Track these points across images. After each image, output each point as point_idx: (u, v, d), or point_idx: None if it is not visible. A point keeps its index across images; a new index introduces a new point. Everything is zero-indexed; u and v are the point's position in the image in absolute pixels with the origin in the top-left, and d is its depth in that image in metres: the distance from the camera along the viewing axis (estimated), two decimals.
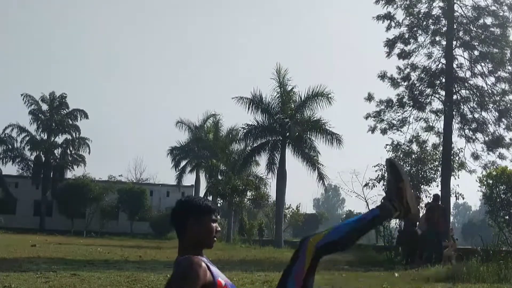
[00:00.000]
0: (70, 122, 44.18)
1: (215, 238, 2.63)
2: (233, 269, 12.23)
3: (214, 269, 2.57)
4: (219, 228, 2.65)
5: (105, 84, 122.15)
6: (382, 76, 21.39)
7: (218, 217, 2.67)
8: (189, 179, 61.51)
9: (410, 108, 21.24)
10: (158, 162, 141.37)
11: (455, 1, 20.85)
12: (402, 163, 19.78)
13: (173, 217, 2.63)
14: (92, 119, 47.09)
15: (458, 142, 21.30)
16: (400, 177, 2.86)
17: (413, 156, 20.86)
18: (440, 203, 15.72)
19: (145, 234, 37.64)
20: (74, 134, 44.10)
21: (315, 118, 30.00)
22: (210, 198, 38.59)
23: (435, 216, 14.60)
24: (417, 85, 21.26)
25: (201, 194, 43.08)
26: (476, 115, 20.87)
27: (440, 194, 16.62)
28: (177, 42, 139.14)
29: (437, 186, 20.20)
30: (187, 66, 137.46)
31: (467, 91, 20.98)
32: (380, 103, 21.50)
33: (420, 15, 21.31)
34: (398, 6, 21.39)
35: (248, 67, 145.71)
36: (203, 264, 2.47)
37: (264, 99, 30.53)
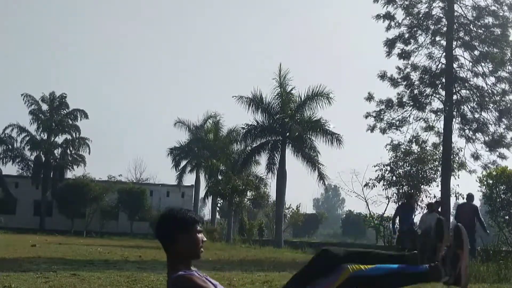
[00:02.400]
0: (70, 122, 44.19)
1: (201, 249, 2.62)
2: (233, 269, 12.23)
3: (212, 280, 2.61)
4: (205, 238, 2.65)
5: (105, 84, 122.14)
6: (382, 76, 21.39)
7: (202, 227, 2.68)
8: (189, 179, 61.46)
9: (410, 108, 21.24)
10: (158, 162, 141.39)
11: (455, 1, 20.84)
12: (412, 167, 19.73)
13: (158, 231, 2.62)
14: (92, 119, 47.15)
15: (458, 142, 21.32)
16: (461, 244, 2.81)
17: (413, 156, 20.84)
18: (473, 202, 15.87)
19: (145, 234, 37.62)
20: (74, 134, 44.14)
21: (315, 118, 30.03)
22: (210, 198, 38.68)
23: (460, 215, 14.97)
24: (417, 85, 21.25)
25: (201, 194, 43.17)
26: (476, 115, 20.85)
27: (472, 194, 16.67)
28: (177, 42, 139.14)
29: (437, 186, 20.21)
30: (187, 66, 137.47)
31: (468, 91, 20.97)
32: (380, 103, 21.51)
33: (420, 15, 21.30)
34: (398, 6, 21.39)
35: (248, 67, 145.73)
36: (200, 280, 2.50)
37: (264, 99, 30.58)
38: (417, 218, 17.17)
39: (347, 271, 2.68)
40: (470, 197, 15.86)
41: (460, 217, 15.57)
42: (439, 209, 16.54)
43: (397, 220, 16.62)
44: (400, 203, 17.96)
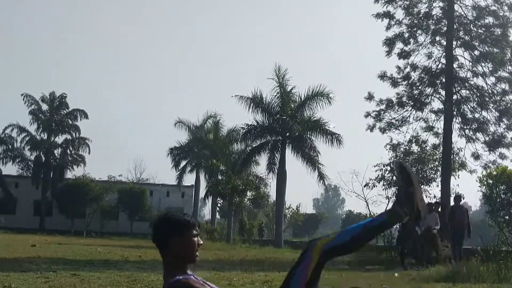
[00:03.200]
0: (70, 122, 44.17)
1: (197, 253, 2.62)
2: (233, 269, 12.24)
3: (209, 283, 2.60)
4: (201, 242, 2.64)
5: (105, 84, 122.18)
6: (382, 76, 21.39)
7: (198, 230, 2.66)
8: (189, 179, 61.50)
9: (410, 108, 21.24)
10: (158, 162, 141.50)
11: (455, 1, 20.84)
12: (412, 166, 19.81)
13: (154, 234, 2.62)
14: (92, 119, 47.13)
15: (458, 142, 21.31)
16: (410, 181, 2.83)
17: (413, 156, 20.83)
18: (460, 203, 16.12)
19: (145, 234, 37.61)
20: (74, 134, 44.11)
21: (315, 118, 30.03)
22: (210, 198, 38.66)
23: (456, 217, 15.07)
24: (417, 85, 21.25)
25: (201, 194, 43.14)
26: (477, 115, 20.85)
27: (460, 195, 16.84)
28: (177, 42, 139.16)
29: (437, 186, 20.19)
30: (187, 66, 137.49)
31: (468, 91, 20.96)
32: (380, 103, 21.51)
33: (420, 15, 21.30)
34: (398, 5, 21.38)
35: (248, 67, 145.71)
36: (197, 284, 2.50)
37: (264, 99, 30.57)
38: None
39: (318, 246, 2.69)
40: (460, 198, 16.31)
41: (456, 220, 15.76)
42: (439, 209, 16.54)
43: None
44: None
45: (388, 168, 19.70)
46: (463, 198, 19.99)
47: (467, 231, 15.96)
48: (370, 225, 2.78)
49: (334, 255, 2.73)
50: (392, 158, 20.14)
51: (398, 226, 19.85)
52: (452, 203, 17.78)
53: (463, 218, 15.91)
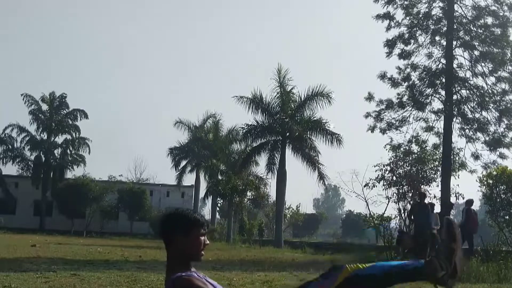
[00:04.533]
0: (70, 122, 44.16)
1: (203, 252, 2.61)
2: (233, 269, 12.24)
3: (211, 281, 2.59)
4: (208, 242, 2.62)
5: (106, 84, 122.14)
6: (382, 77, 21.39)
7: (207, 230, 2.64)
8: (189, 179, 61.48)
9: (410, 108, 21.23)
10: (158, 162, 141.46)
11: (455, 1, 20.83)
12: (412, 167, 19.84)
13: (161, 230, 2.60)
14: (92, 119, 47.12)
15: (458, 142, 21.30)
16: (454, 238, 2.85)
17: (413, 156, 20.81)
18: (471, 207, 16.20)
19: (145, 234, 37.62)
20: (74, 134, 44.09)
21: (315, 118, 30.02)
22: (210, 198, 38.69)
23: (470, 220, 15.20)
24: (418, 85, 21.25)
25: (201, 194, 43.16)
26: (477, 115, 20.83)
27: (472, 199, 16.91)
28: (177, 42, 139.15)
29: (437, 186, 20.17)
30: (188, 66, 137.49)
31: (468, 91, 20.95)
32: (380, 103, 21.51)
33: (420, 15, 21.30)
34: (398, 6, 21.39)
35: (248, 67, 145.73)
36: (199, 282, 2.49)
37: (264, 99, 30.56)
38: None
39: (346, 270, 2.68)
40: (472, 202, 16.48)
41: (471, 223, 15.95)
42: (427, 203, 16.55)
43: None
44: (413, 203, 17.92)
45: (388, 168, 19.67)
46: (462, 198, 20.07)
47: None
48: (404, 266, 2.78)
49: (359, 283, 2.71)
50: (392, 158, 20.12)
51: (398, 226, 19.87)
52: (448, 205, 17.96)
53: (475, 221, 16.13)
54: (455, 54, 20.84)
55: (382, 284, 2.74)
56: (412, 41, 21.30)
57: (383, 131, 21.41)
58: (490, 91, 20.66)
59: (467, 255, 13.97)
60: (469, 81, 20.93)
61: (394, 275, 2.74)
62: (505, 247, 14.83)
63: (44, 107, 43.80)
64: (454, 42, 20.74)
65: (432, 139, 21.97)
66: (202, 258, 2.60)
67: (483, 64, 20.59)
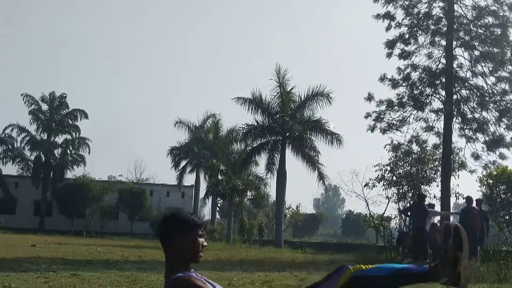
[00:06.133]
0: (70, 122, 44.16)
1: (201, 253, 2.62)
2: (233, 269, 12.24)
3: (210, 281, 2.60)
4: (206, 243, 2.64)
5: (105, 84, 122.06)
6: (382, 79, 21.40)
7: (205, 231, 2.66)
8: (189, 179, 61.45)
9: (410, 108, 21.24)
10: (158, 162, 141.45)
11: (455, 1, 20.84)
12: (412, 167, 19.74)
13: (160, 232, 2.62)
14: (92, 119, 47.11)
15: (458, 142, 21.31)
16: (461, 245, 2.80)
17: (413, 156, 20.81)
18: (474, 205, 15.77)
19: (145, 234, 37.61)
20: (74, 134, 44.10)
21: (315, 118, 30.03)
22: (210, 198, 38.67)
23: (469, 219, 14.92)
24: (417, 85, 21.25)
25: (201, 194, 43.15)
26: (477, 115, 20.85)
27: (471, 196, 16.50)
28: (177, 42, 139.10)
29: (437, 186, 20.18)
30: (187, 66, 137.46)
31: (468, 91, 20.97)
32: (380, 103, 21.51)
33: (420, 15, 21.30)
34: (398, 6, 21.39)
35: (248, 67, 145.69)
36: (199, 281, 2.50)
37: (264, 99, 30.58)
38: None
39: (348, 271, 2.69)
40: (479, 201, 15.85)
41: (469, 223, 15.53)
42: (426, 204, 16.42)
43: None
44: (412, 202, 17.88)
45: (388, 168, 19.69)
46: (462, 198, 19.98)
47: (481, 233, 15.64)
48: (408, 269, 2.77)
49: (361, 284, 2.71)
50: (392, 158, 20.13)
51: (398, 226, 19.87)
52: (451, 204, 17.76)
53: (475, 221, 15.61)
54: (455, 54, 20.85)
55: (385, 285, 2.74)
56: (412, 41, 21.32)
57: (383, 131, 21.42)
58: (490, 91, 20.68)
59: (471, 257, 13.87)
60: (469, 81, 20.95)
61: (397, 277, 2.74)
62: (505, 247, 14.84)
63: (44, 107, 43.82)
64: (454, 42, 20.75)
65: (432, 139, 22.00)
66: (200, 259, 2.62)
67: (483, 64, 20.60)
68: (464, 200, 16.64)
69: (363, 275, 2.69)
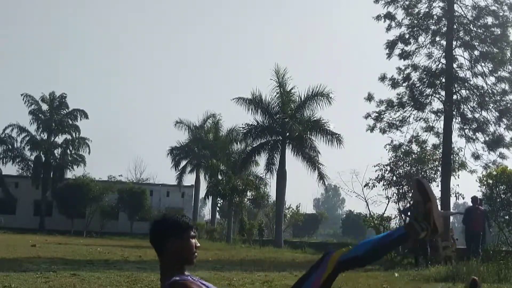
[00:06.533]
0: (70, 122, 44.18)
1: (195, 254, 2.63)
2: (233, 269, 12.24)
3: (205, 283, 2.61)
4: (199, 244, 2.65)
5: (105, 84, 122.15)
6: (382, 79, 21.40)
7: (196, 232, 2.68)
8: (189, 179, 61.54)
9: (410, 108, 21.23)
10: (158, 162, 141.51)
11: (455, 1, 20.83)
12: (412, 167, 19.78)
13: (152, 237, 2.62)
14: (92, 119, 47.12)
15: (458, 142, 21.30)
16: (427, 197, 2.84)
17: (413, 156, 20.83)
18: (478, 205, 15.79)
19: (145, 234, 37.45)
20: (74, 134, 44.12)
21: (315, 118, 30.03)
22: (210, 198, 38.66)
23: (472, 219, 14.94)
24: (417, 85, 21.25)
25: (201, 194, 43.15)
26: (477, 115, 20.84)
27: (476, 196, 16.49)
28: (177, 42, 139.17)
29: (437, 186, 20.17)
30: (188, 66, 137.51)
31: (467, 91, 20.95)
32: (380, 103, 21.51)
33: (420, 15, 21.30)
34: (398, 6, 21.39)
35: (248, 67, 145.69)
36: (194, 285, 2.50)
37: (264, 99, 30.58)
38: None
39: (333, 257, 2.72)
40: (476, 200, 15.92)
41: (472, 222, 15.57)
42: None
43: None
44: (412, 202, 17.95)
45: (388, 168, 19.68)
46: (462, 198, 19.98)
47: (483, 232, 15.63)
48: (387, 238, 2.81)
49: (349, 266, 2.75)
50: (392, 158, 20.13)
51: (398, 227, 19.85)
52: (451, 204, 17.73)
53: (479, 220, 15.64)
54: (455, 54, 20.84)
55: (372, 259, 2.79)
56: (412, 41, 21.31)
57: (383, 131, 21.42)
58: (490, 91, 20.66)
59: (472, 255, 13.84)
60: (469, 81, 20.93)
61: (380, 248, 2.79)
62: (505, 247, 14.82)
63: (44, 107, 43.85)
64: (454, 42, 20.74)
65: (432, 139, 21.99)
66: (200, 259, 2.62)
67: (483, 64, 20.59)
68: (464, 200, 16.68)
69: (348, 257, 2.71)
